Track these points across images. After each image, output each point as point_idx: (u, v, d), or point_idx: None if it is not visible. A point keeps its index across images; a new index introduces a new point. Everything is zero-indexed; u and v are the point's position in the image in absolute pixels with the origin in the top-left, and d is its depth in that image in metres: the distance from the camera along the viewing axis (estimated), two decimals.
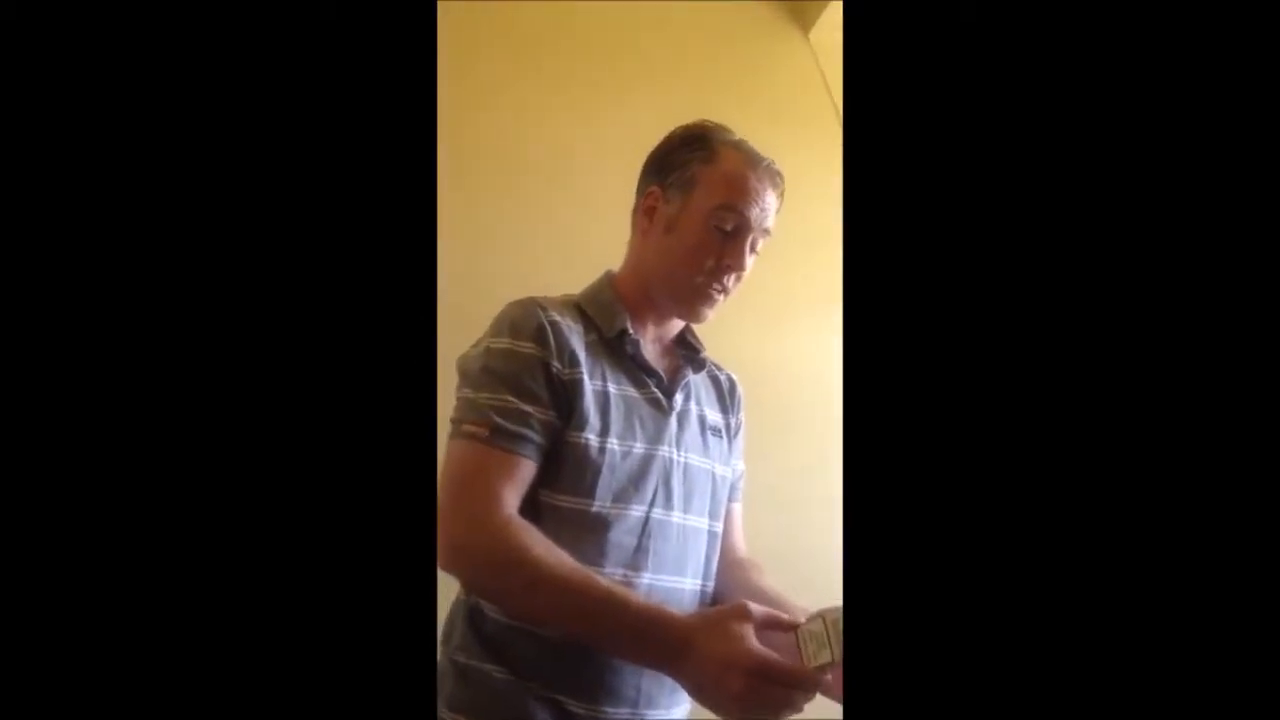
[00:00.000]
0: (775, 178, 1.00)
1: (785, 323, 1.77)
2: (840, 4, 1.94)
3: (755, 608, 0.80)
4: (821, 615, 0.78)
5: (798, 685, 0.75)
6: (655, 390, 0.99)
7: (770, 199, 0.99)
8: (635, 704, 0.87)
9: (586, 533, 0.88)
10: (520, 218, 1.59)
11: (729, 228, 0.97)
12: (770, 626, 0.80)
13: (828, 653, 0.76)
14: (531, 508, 0.88)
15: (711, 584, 0.99)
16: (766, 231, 1.00)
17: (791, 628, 0.80)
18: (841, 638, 0.76)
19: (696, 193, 0.98)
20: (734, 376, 1.13)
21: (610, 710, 0.86)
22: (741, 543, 1.09)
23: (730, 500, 1.07)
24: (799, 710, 0.77)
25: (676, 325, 1.07)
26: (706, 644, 0.77)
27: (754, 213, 0.97)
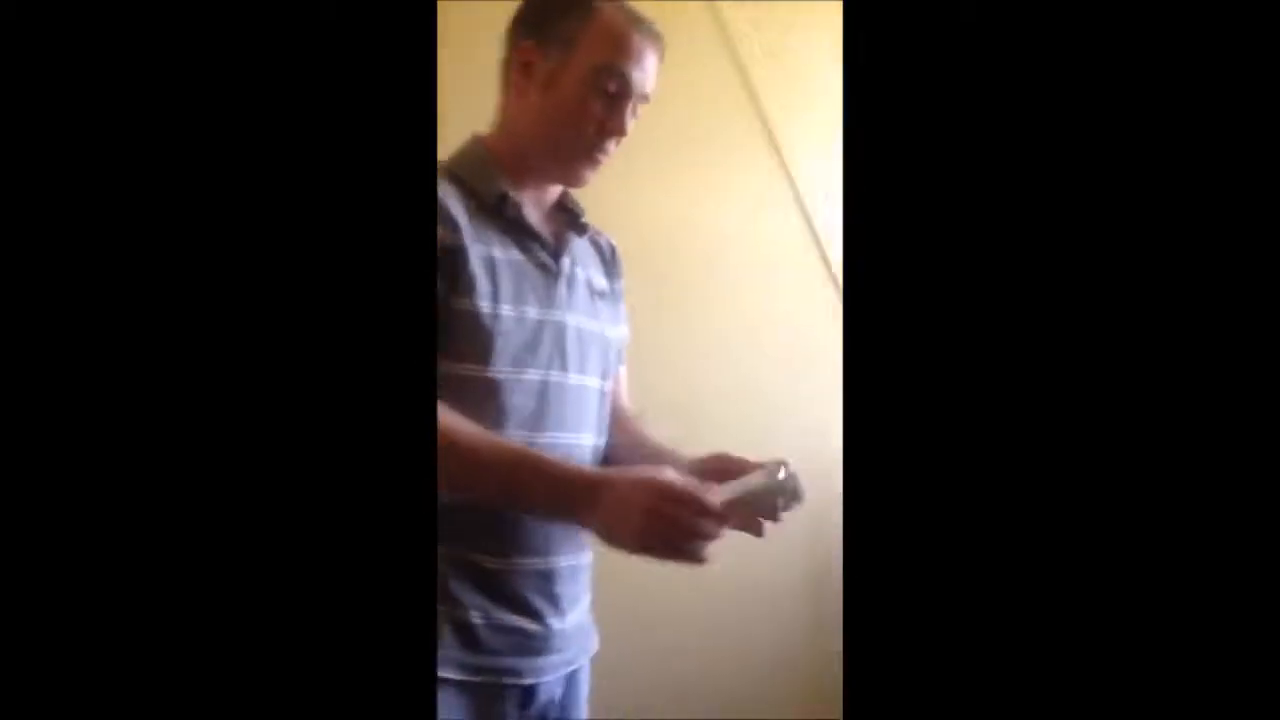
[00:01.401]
0: (656, 39, 0.98)
1: (661, 181, 1.79)
2: None
3: (669, 470, 0.83)
4: (781, 465, 0.83)
5: (704, 511, 0.79)
6: (541, 254, 0.99)
7: (651, 60, 0.98)
8: (545, 552, 0.92)
9: (485, 399, 0.89)
10: None
11: (612, 89, 0.95)
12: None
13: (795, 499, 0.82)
14: None
15: (604, 440, 1.04)
16: (646, 97, 0.99)
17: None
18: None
19: (578, 50, 0.95)
20: (614, 242, 1.14)
21: (521, 560, 0.91)
22: (626, 399, 1.13)
23: (617, 362, 1.10)
24: (704, 541, 0.80)
25: (556, 190, 1.05)
26: (616, 485, 0.82)
27: (636, 75, 0.96)
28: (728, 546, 0.83)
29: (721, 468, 0.91)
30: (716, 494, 0.82)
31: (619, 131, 0.98)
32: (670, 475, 0.82)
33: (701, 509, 0.80)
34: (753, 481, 0.85)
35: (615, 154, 1.01)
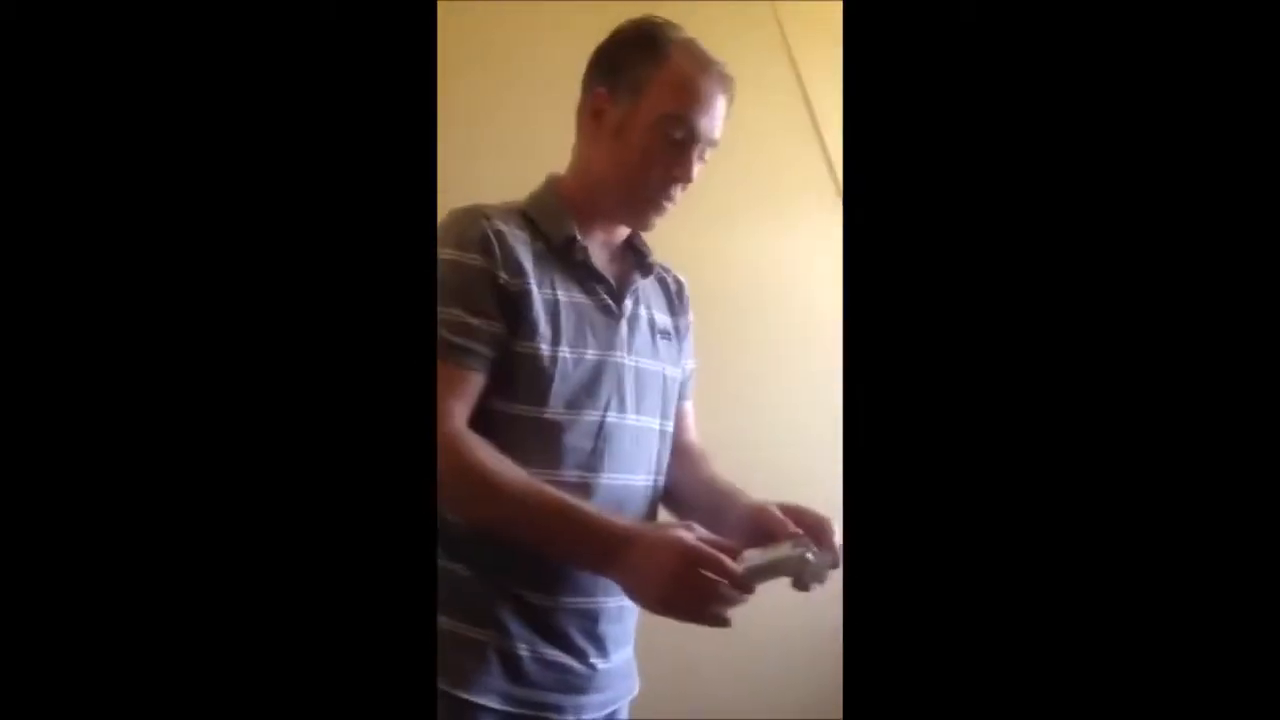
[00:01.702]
0: (726, 82, 0.99)
1: (729, 222, 1.80)
2: None
3: (698, 529, 0.84)
4: (808, 544, 0.84)
5: (727, 577, 0.80)
6: (605, 296, 1.00)
7: (720, 105, 0.99)
8: (592, 592, 0.94)
9: (542, 439, 0.92)
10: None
11: (679, 136, 0.96)
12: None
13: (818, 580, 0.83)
14: (488, 418, 0.91)
15: (663, 479, 1.04)
16: (715, 143, 1.00)
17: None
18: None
19: (646, 98, 0.96)
20: (682, 279, 1.15)
21: (568, 599, 0.93)
22: (694, 436, 1.13)
23: (681, 398, 1.10)
24: (726, 607, 0.81)
25: (624, 230, 1.07)
26: (642, 543, 0.83)
27: (704, 123, 0.97)
28: (769, 591, 0.83)
29: (765, 522, 0.91)
30: (744, 560, 0.82)
31: (684, 179, 0.99)
32: (696, 536, 0.82)
33: (724, 575, 0.80)
34: (778, 554, 0.84)
35: (686, 196, 1.03)
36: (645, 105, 0.97)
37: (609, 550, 0.85)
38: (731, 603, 0.81)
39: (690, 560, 0.80)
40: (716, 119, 0.99)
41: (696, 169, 1.00)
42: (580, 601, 0.93)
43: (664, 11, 1.04)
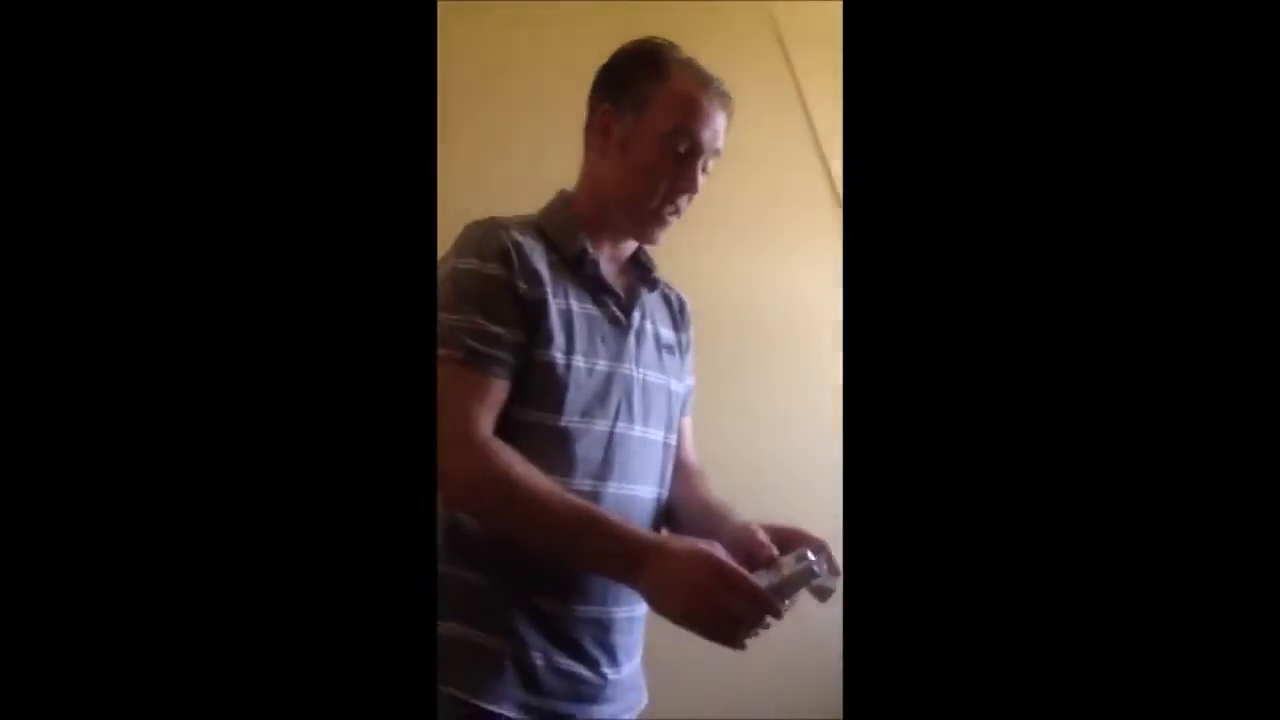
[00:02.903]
0: (725, 99, 1.02)
1: (729, 242, 1.82)
2: None
3: (720, 548, 0.84)
4: (807, 555, 0.84)
5: (756, 596, 0.80)
6: (614, 308, 1.02)
7: (721, 119, 1.02)
8: (604, 601, 0.94)
9: (555, 446, 0.92)
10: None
11: (682, 149, 0.99)
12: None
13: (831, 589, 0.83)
14: (505, 422, 0.91)
15: (666, 492, 1.05)
16: (717, 152, 1.03)
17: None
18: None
19: (649, 113, 0.99)
20: (683, 295, 1.18)
21: (581, 608, 0.93)
22: (692, 453, 1.15)
23: (681, 414, 1.12)
24: (751, 628, 0.81)
25: (631, 245, 1.09)
26: (670, 554, 0.83)
27: (706, 135, 1.00)
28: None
29: (748, 543, 0.91)
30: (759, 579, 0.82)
31: (690, 189, 1.01)
32: (723, 553, 0.83)
33: (756, 598, 0.80)
34: (786, 572, 0.84)
35: (687, 214, 1.04)
36: (649, 119, 1.00)
37: (635, 559, 0.85)
38: (755, 624, 0.81)
39: (721, 577, 0.81)
40: (718, 131, 1.02)
41: (701, 180, 1.03)
42: (593, 610, 0.93)
43: (666, 27, 1.07)
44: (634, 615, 0.97)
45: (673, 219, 1.04)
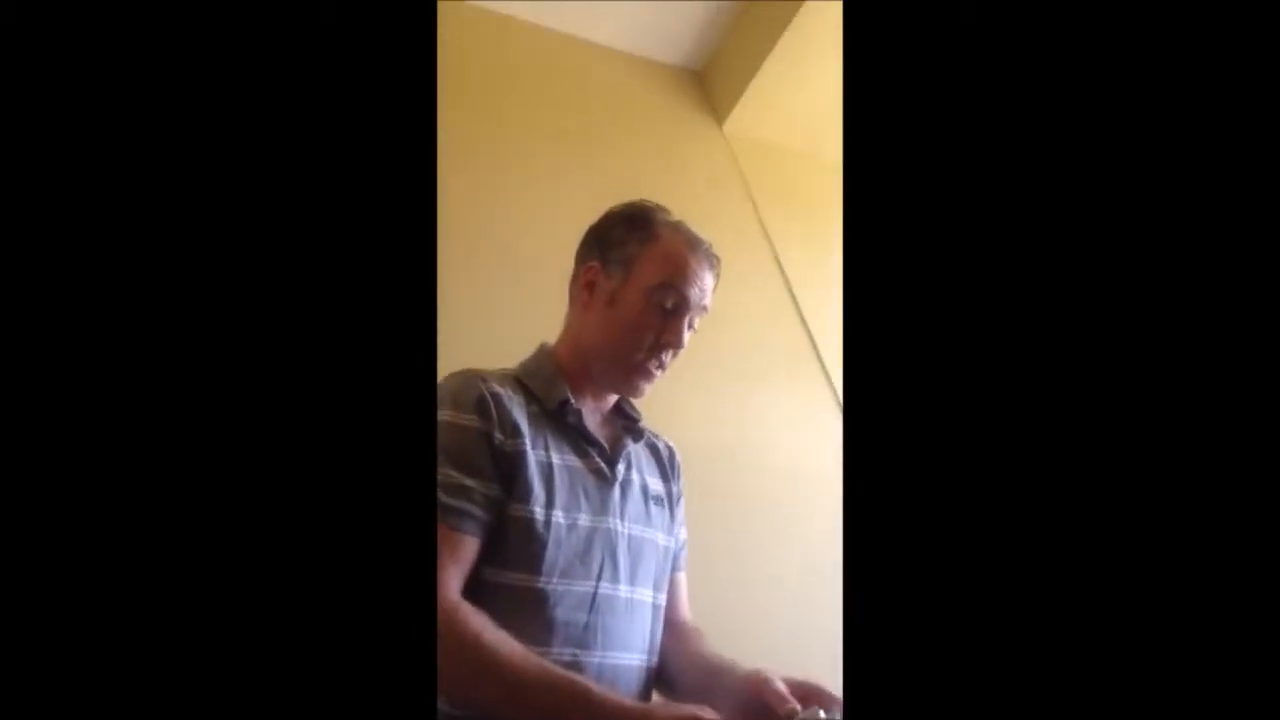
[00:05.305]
0: (713, 260, 1.04)
1: (712, 392, 1.84)
2: (751, 93, 2.08)
3: (709, 711, 0.80)
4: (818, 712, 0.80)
5: None
6: (598, 460, 1.00)
7: (708, 279, 1.03)
8: None
9: (533, 611, 0.88)
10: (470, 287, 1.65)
11: (669, 305, 1.00)
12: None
13: None
14: (476, 585, 0.87)
15: (656, 659, 0.99)
16: (704, 309, 1.04)
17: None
18: None
19: (637, 269, 1.01)
20: (672, 445, 1.15)
21: None
22: (686, 610, 1.09)
23: (674, 570, 1.07)
24: None
25: (613, 397, 1.08)
26: None
27: (693, 292, 1.01)
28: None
29: (763, 693, 0.86)
30: None
31: (676, 345, 1.02)
32: (713, 715, 0.78)
33: None
34: None
35: (671, 368, 1.05)
36: (637, 276, 1.01)
37: None
38: None
39: None
40: (705, 289, 1.03)
41: (686, 336, 1.03)
42: None
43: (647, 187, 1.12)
44: None
45: (658, 374, 1.03)
